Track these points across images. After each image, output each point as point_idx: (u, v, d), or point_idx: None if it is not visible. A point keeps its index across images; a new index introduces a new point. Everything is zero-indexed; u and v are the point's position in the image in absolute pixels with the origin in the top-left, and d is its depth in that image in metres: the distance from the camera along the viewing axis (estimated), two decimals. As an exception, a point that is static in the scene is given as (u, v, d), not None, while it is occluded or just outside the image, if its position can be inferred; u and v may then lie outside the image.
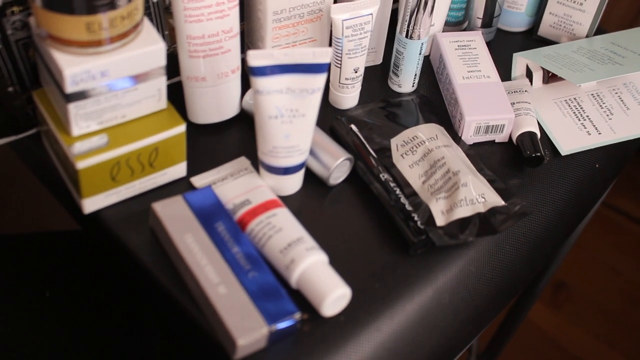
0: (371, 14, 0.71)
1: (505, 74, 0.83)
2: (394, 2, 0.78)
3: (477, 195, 0.68)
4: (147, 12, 0.70)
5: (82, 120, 0.62)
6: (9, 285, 0.79)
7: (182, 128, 0.66)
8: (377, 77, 0.82)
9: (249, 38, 0.76)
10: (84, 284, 0.82)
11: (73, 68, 0.59)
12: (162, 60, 0.63)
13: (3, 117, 0.68)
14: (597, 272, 1.56)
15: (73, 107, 0.61)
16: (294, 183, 0.69)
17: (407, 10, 0.73)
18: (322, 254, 0.62)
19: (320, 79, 0.62)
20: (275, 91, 0.62)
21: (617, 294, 1.52)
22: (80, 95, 0.60)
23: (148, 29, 0.63)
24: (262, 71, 0.61)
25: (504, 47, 0.87)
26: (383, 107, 0.77)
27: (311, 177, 0.71)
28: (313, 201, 0.70)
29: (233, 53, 0.70)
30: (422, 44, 0.75)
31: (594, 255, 1.58)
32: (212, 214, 0.64)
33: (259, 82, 0.61)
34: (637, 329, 1.46)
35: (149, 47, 0.62)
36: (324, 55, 0.61)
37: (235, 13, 0.68)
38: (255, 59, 0.60)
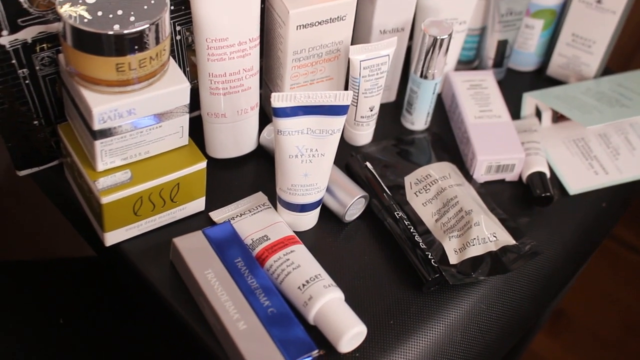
0: (388, 55, 0.73)
1: (514, 112, 0.85)
2: (408, 40, 0.80)
3: (489, 234, 0.70)
4: (171, 49, 0.71)
5: (107, 156, 0.64)
6: (24, 311, 0.80)
7: (203, 165, 0.68)
8: (390, 114, 0.84)
9: (267, 75, 0.78)
10: (98, 311, 0.83)
11: (101, 107, 0.60)
12: (186, 99, 0.65)
13: (27, 150, 0.70)
14: (597, 301, 1.57)
15: (100, 144, 0.62)
16: (310, 219, 0.71)
17: (422, 51, 0.75)
18: (338, 291, 0.63)
19: (340, 121, 0.64)
20: (297, 132, 0.64)
21: (616, 323, 1.53)
22: (107, 133, 0.62)
23: (173, 68, 0.65)
24: (285, 112, 0.63)
25: (514, 86, 0.89)
26: (396, 145, 0.79)
27: (326, 213, 0.73)
28: (328, 237, 0.72)
29: (253, 90, 0.72)
30: (436, 84, 0.77)
31: (593, 284, 1.59)
32: (231, 250, 0.65)
33: (281, 122, 0.63)
34: (636, 358, 1.47)
35: (174, 87, 0.63)
36: (345, 97, 0.63)
37: (256, 52, 0.70)
38: (278, 101, 0.62)
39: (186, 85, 0.64)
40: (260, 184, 0.74)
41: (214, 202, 0.72)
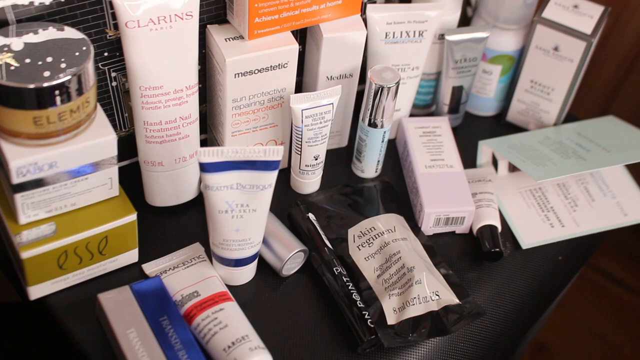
0: (332, 103, 0.71)
1: (471, 159, 0.83)
2: (359, 84, 0.78)
3: (431, 292, 0.67)
4: (107, 95, 0.69)
5: (29, 209, 0.62)
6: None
7: (132, 217, 0.65)
8: (341, 160, 0.82)
9: (210, 120, 0.76)
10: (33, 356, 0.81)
11: (19, 160, 0.58)
12: (113, 151, 0.62)
13: (-45, 197, 0.67)
14: (579, 334, 1.54)
15: (20, 197, 0.60)
16: (246, 274, 0.68)
17: (369, 99, 0.73)
18: (266, 353, 0.61)
19: (271, 176, 0.62)
20: (225, 187, 0.61)
21: (599, 358, 1.50)
22: (28, 186, 0.60)
23: (100, 118, 0.62)
24: (212, 167, 0.60)
25: (472, 132, 0.86)
26: (344, 194, 0.76)
27: (265, 265, 0.70)
28: (265, 291, 0.69)
29: (191, 138, 0.70)
30: (385, 132, 0.75)
31: (576, 317, 1.56)
32: (158, 307, 0.63)
33: (209, 177, 0.61)
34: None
35: (99, 139, 0.61)
36: (275, 153, 0.61)
37: (194, 100, 0.68)
38: (205, 156, 0.60)
39: (112, 137, 0.62)
40: (200, 234, 0.72)
41: (150, 252, 0.70)
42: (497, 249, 0.72)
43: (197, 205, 0.74)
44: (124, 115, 0.72)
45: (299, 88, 0.79)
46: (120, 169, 0.74)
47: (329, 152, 0.81)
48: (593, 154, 0.78)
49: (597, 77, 1.11)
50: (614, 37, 1.07)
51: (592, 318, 1.56)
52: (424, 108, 0.86)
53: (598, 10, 0.79)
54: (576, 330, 1.54)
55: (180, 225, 0.73)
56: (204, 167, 0.60)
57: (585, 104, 0.95)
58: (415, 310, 0.66)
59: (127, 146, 0.74)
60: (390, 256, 0.69)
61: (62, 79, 0.56)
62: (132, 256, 0.69)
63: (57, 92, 0.57)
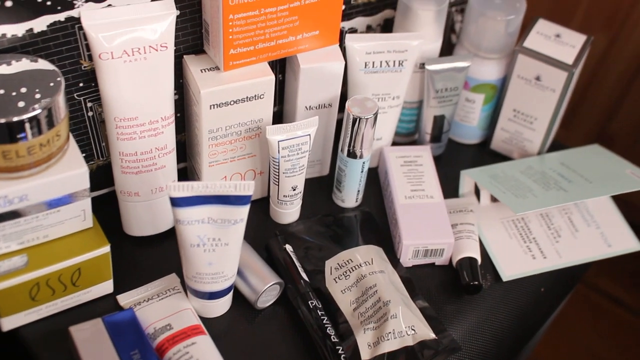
0: (309, 134, 0.70)
1: (454, 188, 0.82)
2: (340, 113, 0.78)
3: (407, 327, 0.66)
4: (83, 125, 0.69)
5: (0, 241, 0.61)
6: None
7: (106, 249, 0.65)
8: (323, 189, 0.81)
9: (189, 150, 0.75)
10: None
11: (-11, 194, 0.58)
12: (85, 184, 0.62)
13: None
14: (577, 354, 1.52)
15: (-10, 230, 0.60)
16: (221, 306, 0.68)
17: (347, 129, 0.73)
18: (236, 390, 0.60)
19: (242, 211, 0.61)
20: (197, 221, 0.61)
21: (594, 379, 1.48)
22: (-2, 219, 0.60)
23: (73, 151, 0.62)
24: (183, 202, 0.60)
25: (456, 160, 0.86)
26: (325, 224, 0.76)
27: (242, 297, 0.70)
28: (240, 324, 0.69)
29: (168, 169, 0.70)
30: (364, 162, 0.75)
31: (574, 337, 1.54)
32: (130, 341, 0.62)
33: (179, 212, 0.60)
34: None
35: (71, 172, 0.61)
36: (246, 188, 0.60)
37: (170, 130, 0.68)
38: (175, 190, 0.60)
39: (84, 170, 0.61)
40: (177, 264, 0.71)
41: (127, 282, 0.70)
42: (476, 282, 0.71)
43: (174, 235, 0.74)
44: (102, 144, 0.72)
45: (280, 116, 0.79)
46: (100, 196, 0.74)
47: (310, 181, 0.81)
48: (575, 185, 0.77)
49: (596, 97, 1.10)
50: (612, 55, 1.06)
51: (591, 338, 1.54)
52: (407, 136, 0.86)
53: (580, 39, 0.79)
54: (574, 350, 1.52)
55: (157, 255, 0.73)
56: (175, 202, 0.60)
57: (583, 123, 0.94)
58: (390, 345, 0.65)
59: (107, 174, 0.74)
60: (366, 289, 0.69)
61: (32, 112, 0.56)
62: (107, 287, 0.68)
63: (27, 126, 0.56)
